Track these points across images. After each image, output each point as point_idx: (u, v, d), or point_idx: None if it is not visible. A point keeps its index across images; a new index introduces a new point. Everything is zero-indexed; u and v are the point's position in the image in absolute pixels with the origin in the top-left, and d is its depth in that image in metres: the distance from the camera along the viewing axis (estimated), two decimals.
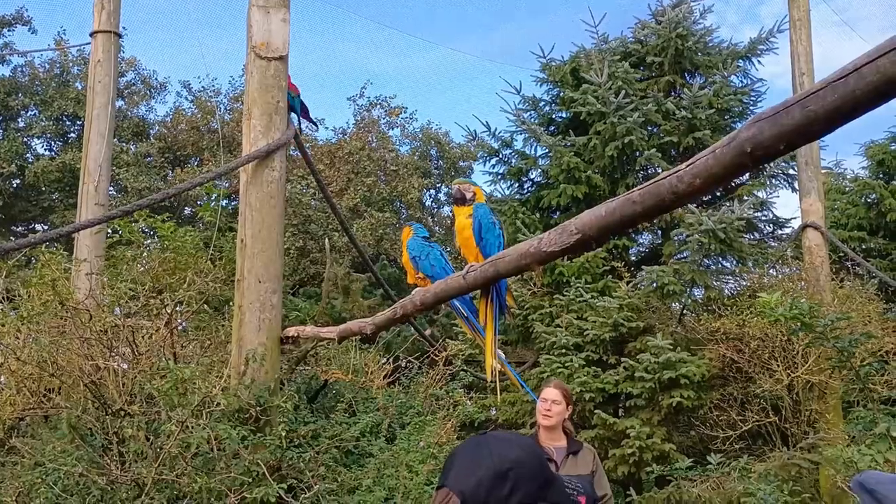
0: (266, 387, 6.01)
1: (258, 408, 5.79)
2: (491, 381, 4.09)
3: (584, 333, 10.98)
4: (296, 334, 6.06)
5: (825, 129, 1.76)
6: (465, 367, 9.17)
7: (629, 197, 2.37)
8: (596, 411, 10.60)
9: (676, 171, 2.17)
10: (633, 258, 13.59)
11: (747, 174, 12.75)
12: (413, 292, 3.88)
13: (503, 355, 4.93)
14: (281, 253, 6.58)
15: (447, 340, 11.97)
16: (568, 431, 4.38)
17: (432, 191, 22.94)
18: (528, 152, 13.41)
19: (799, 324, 7.04)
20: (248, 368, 5.92)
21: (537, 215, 13.12)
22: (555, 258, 2.76)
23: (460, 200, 3.70)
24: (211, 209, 6.92)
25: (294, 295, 15.33)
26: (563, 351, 11.09)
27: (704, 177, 2.09)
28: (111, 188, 16.18)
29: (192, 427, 5.36)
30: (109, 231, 10.03)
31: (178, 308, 6.71)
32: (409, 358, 8.54)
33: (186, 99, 22.11)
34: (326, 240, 8.32)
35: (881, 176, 14.59)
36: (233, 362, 6.29)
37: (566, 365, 10.80)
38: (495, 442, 1.46)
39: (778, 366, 9.98)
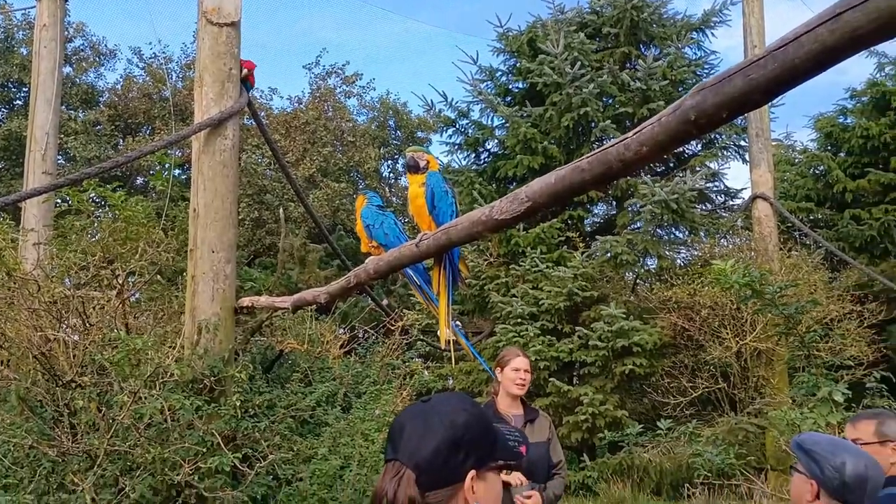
0: (220, 357, 5.96)
1: (212, 378, 5.74)
2: (445, 349, 4.11)
3: (540, 303, 11.11)
4: (250, 304, 6.00)
5: (766, 98, 1.80)
6: (422, 337, 9.21)
7: (578, 165, 2.40)
8: (550, 379, 10.77)
9: (624, 139, 2.20)
10: (589, 228, 13.75)
11: (700, 146, 12.94)
12: (367, 261, 3.88)
13: (459, 325, 4.98)
14: (235, 222, 6.49)
15: (404, 311, 12.01)
16: (524, 399, 4.44)
17: (390, 161, 22.85)
18: (484, 122, 13.44)
19: (750, 291, 7.20)
20: (200, 338, 5.87)
21: (493, 186, 13.18)
22: (506, 226, 2.78)
23: (413, 168, 3.70)
24: (163, 178, 6.79)
25: (250, 266, 15.21)
26: (519, 320, 11.23)
27: (651, 144, 2.12)
28: (60, 157, 15.79)
29: (146, 398, 5.31)
30: (58, 200, 9.82)
31: (130, 278, 6.60)
32: (366, 328, 8.53)
33: (137, 66, 21.60)
34: (282, 210, 8.24)
35: (829, 148, 14.89)
36: (186, 333, 6.21)
37: (521, 334, 10.94)
38: (444, 408, 1.44)
39: (727, 333, 10.21)
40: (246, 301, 6.10)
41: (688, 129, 2.00)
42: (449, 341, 3.70)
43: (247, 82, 6.62)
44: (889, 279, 11.29)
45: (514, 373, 4.26)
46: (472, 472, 1.39)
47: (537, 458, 4.15)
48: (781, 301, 7.40)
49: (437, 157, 3.83)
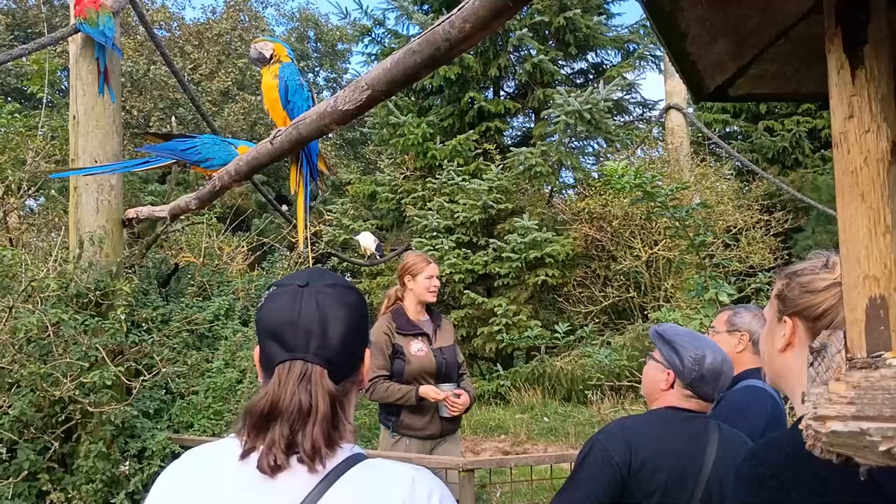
0: (107, 271, 5.75)
1: (98, 292, 5.54)
2: (304, 250, 4.02)
3: (455, 216, 11.08)
4: (135, 215, 5.78)
5: None
6: (332, 251, 9.08)
7: (410, 47, 2.29)
8: (465, 292, 10.82)
9: (449, 17, 2.09)
10: (509, 141, 13.66)
11: (618, 56, 12.84)
12: (228, 165, 3.72)
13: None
14: (118, 130, 6.17)
15: (320, 225, 11.85)
16: (429, 306, 4.40)
17: (310, 75, 22.19)
18: (400, 31, 13.06)
19: (642, 193, 7.21)
20: (83, 252, 5.63)
21: (412, 98, 12.93)
22: (351, 117, 2.66)
23: (258, 60, 3.50)
24: (41, 83, 6.38)
25: (162, 182, 14.71)
26: (435, 234, 11.19)
27: (473, 20, 2.01)
28: None
29: (24, 313, 5.10)
30: None
31: (10, 189, 6.28)
32: (270, 242, 8.35)
33: None
34: (174, 118, 7.83)
35: None
36: (71, 246, 5.97)
37: (437, 247, 10.91)
38: (329, 288, 1.25)
39: (638, 243, 10.35)
40: (131, 212, 5.86)
41: (505, 1, 1.89)
42: (307, 241, 3.58)
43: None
44: (797, 189, 11.56)
45: (428, 280, 4.22)
46: (368, 351, 1.29)
47: (451, 361, 4.23)
48: (672, 203, 7.46)
49: (289, 50, 3.60)
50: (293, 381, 1.18)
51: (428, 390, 4.00)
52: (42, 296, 5.30)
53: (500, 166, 11.34)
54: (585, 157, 12.61)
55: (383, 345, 4.09)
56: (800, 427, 0.83)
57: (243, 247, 7.51)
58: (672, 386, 2.39)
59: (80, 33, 6.04)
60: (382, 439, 4.25)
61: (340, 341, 1.22)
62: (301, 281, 1.27)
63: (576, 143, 12.16)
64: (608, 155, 12.33)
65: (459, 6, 2.04)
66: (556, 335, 10.27)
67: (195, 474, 1.22)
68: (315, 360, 1.20)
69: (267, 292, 1.31)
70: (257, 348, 1.30)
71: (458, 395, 4.06)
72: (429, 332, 4.23)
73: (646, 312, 10.61)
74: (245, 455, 1.18)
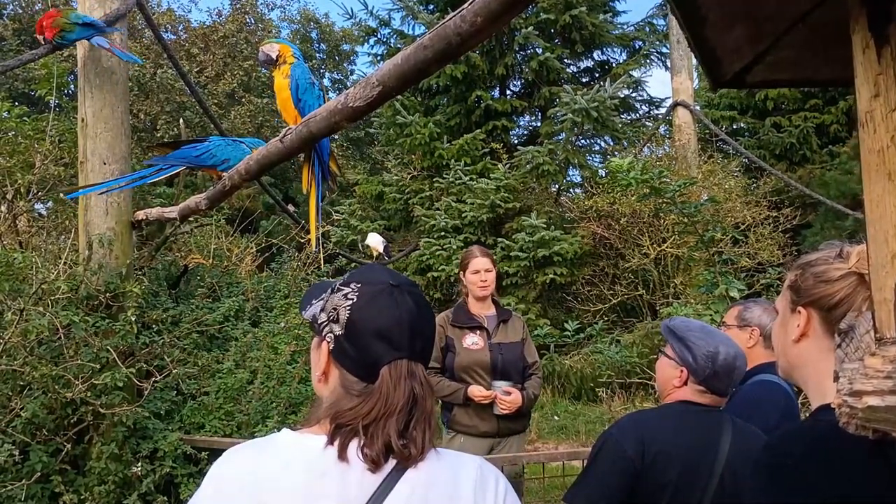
0: (117, 273, 5.76)
1: (108, 294, 5.55)
2: (315, 250, 4.01)
3: (463, 216, 11.07)
4: (144, 217, 5.80)
5: None
6: (339, 251, 9.07)
7: (421, 42, 2.29)
8: None
9: (460, 11, 2.08)
10: (515, 140, 13.65)
11: (623, 54, 12.81)
12: (238, 164, 3.73)
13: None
14: (127, 133, 6.19)
15: (327, 226, 11.85)
16: (496, 299, 4.25)
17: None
18: (406, 31, 13.08)
19: (649, 189, 7.15)
20: (92, 254, 5.64)
21: (418, 98, 12.93)
22: (362, 114, 2.65)
23: (267, 63, 3.51)
24: (49, 86, 6.40)
25: (170, 185, 14.73)
26: (443, 234, 11.19)
27: (484, 14, 2.00)
28: None
29: (34, 315, 5.11)
30: None
31: (20, 193, 6.30)
32: (279, 242, 8.35)
33: None
34: (181, 120, 7.80)
35: None
36: (81, 249, 5.99)
37: (445, 247, 10.91)
38: (412, 287, 1.33)
39: (646, 241, 10.33)
40: (140, 214, 5.87)
41: None
42: (318, 241, 3.58)
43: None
44: (805, 185, 11.50)
45: (475, 275, 4.07)
46: None
47: (512, 358, 4.04)
48: (681, 200, 7.42)
49: (295, 49, 3.60)
50: (403, 379, 1.24)
51: (475, 390, 3.85)
52: (53, 298, 5.30)
53: (508, 165, 11.34)
54: (592, 155, 12.61)
55: (436, 338, 3.94)
56: (832, 405, 0.82)
57: (252, 248, 7.52)
58: (685, 383, 2.37)
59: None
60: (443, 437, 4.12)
61: (433, 338, 1.31)
62: (393, 280, 1.31)
63: (583, 141, 12.15)
64: (615, 153, 12.32)
65: (470, 0, 2.03)
66: (566, 333, 10.26)
67: (265, 467, 1.20)
68: (417, 357, 1.26)
69: (349, 290, 1.30)
70: (326, 345, 1.31)
71: (508, 393, 3.88)
72: (488, 327, 4.06)
73: (655, 309, 10.58)
74: (342, 451, 1.19)
